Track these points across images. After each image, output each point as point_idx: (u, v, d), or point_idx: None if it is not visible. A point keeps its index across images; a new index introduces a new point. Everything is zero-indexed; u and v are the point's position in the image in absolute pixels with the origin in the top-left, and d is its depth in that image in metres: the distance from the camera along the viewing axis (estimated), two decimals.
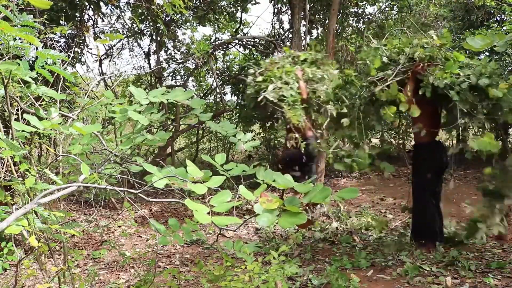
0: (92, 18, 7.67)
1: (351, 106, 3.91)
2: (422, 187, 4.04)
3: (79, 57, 7.46)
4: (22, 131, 1.78)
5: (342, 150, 3.93)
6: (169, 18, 8.05)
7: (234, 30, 10.42)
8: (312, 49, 5.10)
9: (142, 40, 9.78)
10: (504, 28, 7.96)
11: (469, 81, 3.41)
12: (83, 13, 7.18)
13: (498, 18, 9.22)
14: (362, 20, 9.53)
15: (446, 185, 5.49)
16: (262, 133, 10.40)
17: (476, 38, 1.75)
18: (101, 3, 7.13)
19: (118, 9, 8.06)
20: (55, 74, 2.00)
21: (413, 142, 4.29)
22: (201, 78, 11.38)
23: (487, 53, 9.40)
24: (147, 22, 8.46)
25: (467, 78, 3.43)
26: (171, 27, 8.28)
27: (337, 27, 8.99)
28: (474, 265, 3.47)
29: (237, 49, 10.74)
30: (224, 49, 10.20)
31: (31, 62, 2.46)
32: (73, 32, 6.92)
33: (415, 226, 4.15)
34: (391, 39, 4.13)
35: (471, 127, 10.46)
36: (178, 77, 10.18)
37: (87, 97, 2.85)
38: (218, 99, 11.01)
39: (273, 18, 9.84)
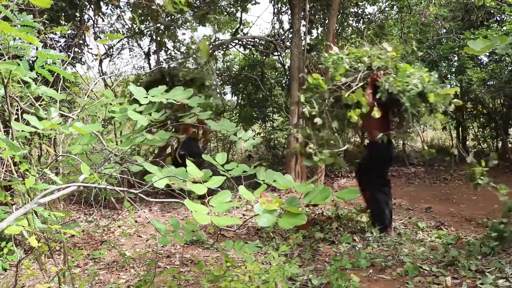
0: (92, 18, 7.67)
1: (321, 108, 4.45)
2: (372, 178, 4.59)
3: (79, 57, 7.46)
4: (22, 131, 1.78)
5: (311, 148, 4.40)
6: (169, 18, 8.05)
7: (234, 30, 10.43)
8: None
9: (142, 40, 9.80)
10: (504, 28, 7.96)
11: (416, 88, 4.08)
12: (83, 13, 7.18)
13: (498, 18, 9.22)
14: (362, 20, 9.53)
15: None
16: (262, 133, 10.41)
17: (477, 41, 1.74)
18: (101, 3, 7.13)
19: (118, 9, 8.06)
20: (55, 74, 2.00)
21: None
22: None
23: (487, 53, 9.41)
24: (147, 22, 8.46)
25: (415, 86, 4.10)
26: (171, 27, 8.28)
27: (337, 27, 8.99)
28: (474, 265, 3.47)
29: (237, 49, 10.75)
30: (224, 49, 10.20)
31: (31, 62, 2.46)
32: (73, 32, 6.91)
33: (372, 212, 4.69)
34: (351, 49, 4.75)
35: (471, 127, 10.65)
36: None
37: (87, 97, 2.85)
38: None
39: (273, 18, 9.85)
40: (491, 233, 3.92)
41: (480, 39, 1.73)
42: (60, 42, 6.94)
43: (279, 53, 9.66)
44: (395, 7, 9.56)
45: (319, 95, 4.43)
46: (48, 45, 4.51)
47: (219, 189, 1.62)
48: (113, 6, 7.55)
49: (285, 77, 10.56)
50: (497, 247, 3.76)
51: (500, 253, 3.75)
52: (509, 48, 1.71)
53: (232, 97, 11.40)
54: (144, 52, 9.68)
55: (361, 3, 9.25)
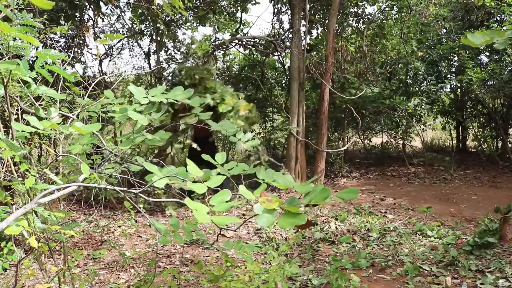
0: (92, 18, 7.66)
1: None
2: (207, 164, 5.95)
3: (79, 57, 7.46)
4: (22, 131, 1.78)
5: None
6: (169, 18, 8.05)
7: (234, 30, 10.43)
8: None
9: (142, 40, 9.79)
10: (504, 28, 7.96)
11: (205, 103, 5.50)
12: (83, 13, 7.17)
13: (498, 18, 9.22)
14: (362, 20, 9.52)
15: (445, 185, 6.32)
16: (262, 133, 10.40)
17: (476, 34, 1.74)
18: (101, 3, 7.13)
19: (118, 9, 8.06)
20: (55, 74, 2.00)
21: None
22: None
23: (487, 53, 9.41)
24: (147, 22, 8.46)
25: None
26: (171, 27, 8.27)
27: (337, 27, 8.98)
28: (474, 265, 3.47)
29: (237, 49, 10.74)
30: (224, 49, 10.19)
31: (31, 62, 2.47)
32: (73, 32, 6.91)
33: None
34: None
35: (471, 127, 10.73)
36: None
37: (88, 97, 2.84)
38: None
39: (273, 18, 9.84)
40: (483, 229, 4.04)
41: (478, 32, 1.73)
42: (60, 42, 6.95)
43: (279, 53, 9.65)
44: (395, 7, 9.55)
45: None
46: (48, 45, 4.50)
47: (219, 188, 1.62)
48: (113, 6, 7.55)
49: (285, 77, 10.56)
50: (494, 236, 3.82)
51: (500, 253, 3.76)
52: (507, 44, 1.70)
53: None
54: (144, 52, 9.68)
55: (361, 3, 9.24)
